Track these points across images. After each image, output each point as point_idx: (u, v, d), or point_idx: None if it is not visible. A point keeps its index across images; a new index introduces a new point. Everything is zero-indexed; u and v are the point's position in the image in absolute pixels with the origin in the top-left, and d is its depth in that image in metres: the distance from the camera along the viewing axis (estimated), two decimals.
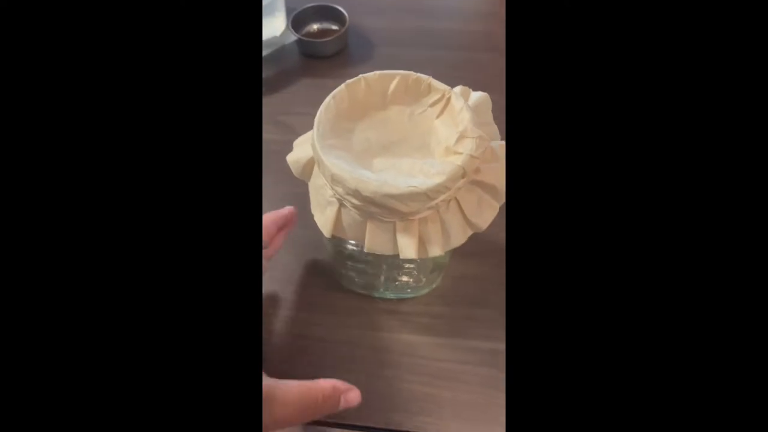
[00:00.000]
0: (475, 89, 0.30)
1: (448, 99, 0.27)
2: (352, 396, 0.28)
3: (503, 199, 0.27)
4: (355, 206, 0.25)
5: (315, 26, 0.56)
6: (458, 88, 0.28)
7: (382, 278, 0.35)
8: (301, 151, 0.28)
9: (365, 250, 0.26)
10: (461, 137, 0.25)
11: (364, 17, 0.57)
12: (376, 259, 0.32)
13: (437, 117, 0.27)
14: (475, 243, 0.40)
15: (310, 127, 0.27)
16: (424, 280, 0.36)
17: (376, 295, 0.38)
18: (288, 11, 0.55)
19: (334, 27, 0.56)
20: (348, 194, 0.24)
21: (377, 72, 0.28)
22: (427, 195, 0.24)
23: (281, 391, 0.25)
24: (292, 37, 0.53)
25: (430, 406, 0.33)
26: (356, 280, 0.36)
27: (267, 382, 0.24)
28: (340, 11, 0.55)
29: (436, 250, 0.26)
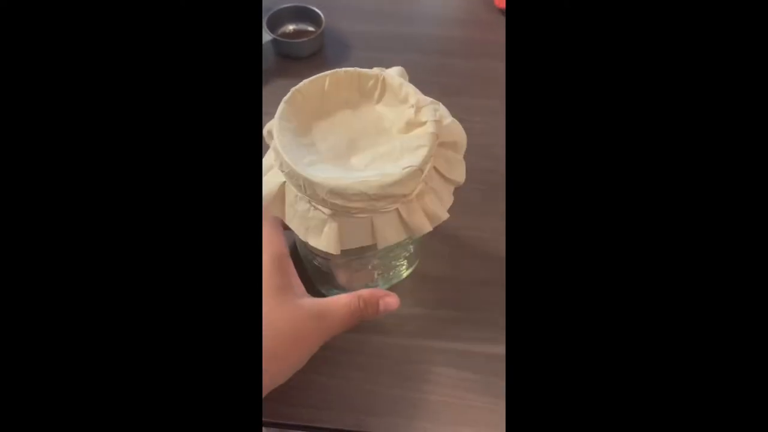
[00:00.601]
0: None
1: (383, 80, 0.28)
2: (390, 300, 0.30)
3: (463, 150, 0.28)
4: (359, 210, 0.25)
5: (291, 27, 0.56)
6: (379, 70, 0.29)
7: (376, 273, 0.35)
8: (269, 183, 0.27)
9: (379, 248, 0.26)
10: (418, 108, 0.26)
11: (340, 20, 0.57)
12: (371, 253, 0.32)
13: (377, 102, 0.28)
14: (445, 244, 0.40)
15: None
16: (416, 261, 0.37)
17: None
18: (263, 11, 0.54)
19: (310, 28, 0.56)
20: (351, 201, 0.24)
21: (305, 80, 0.28)
22: (420, 170, 0.25)
23: (333, 307, 0.29)
24: (268, 36, 0.53)
25: (401, 408, 0.33)
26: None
27: (320, 301, 0.29)
28: (317, 13, 0.54)
29: (442, 215, 0.27)
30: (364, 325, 0.36)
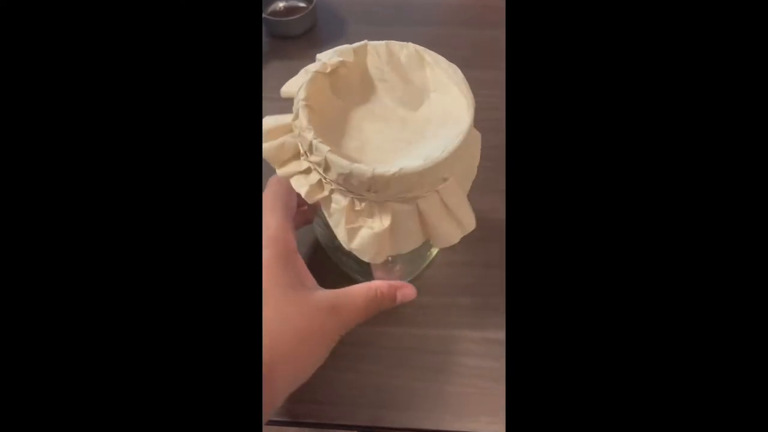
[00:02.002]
0: (454, 64, 0.28)
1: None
2: (407, 291, 0.30)
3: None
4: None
5: (281, 4, 0.53)
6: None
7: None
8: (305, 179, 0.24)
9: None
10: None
11: None
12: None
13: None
14: None
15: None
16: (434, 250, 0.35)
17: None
18: None
19: (302, 4, 0.53)
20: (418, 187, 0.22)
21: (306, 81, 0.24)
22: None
23: (349, 298, 0.28)
24: None
25: (419, 401, 0.32)
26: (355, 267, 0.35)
27: (333, 293, 0.27)
28: None
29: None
30: (374, 317, 0.35)
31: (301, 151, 0.24)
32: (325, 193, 0.23)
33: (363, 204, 0.23)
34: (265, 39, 0.51)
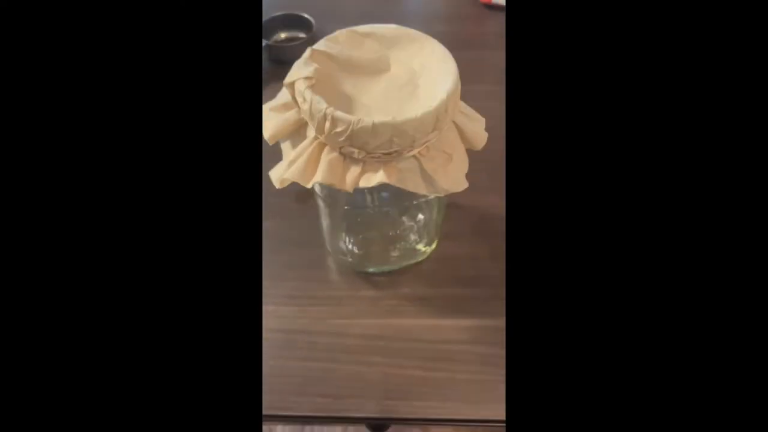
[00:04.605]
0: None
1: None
2: None
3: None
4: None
5: (283, 35, 0.57)
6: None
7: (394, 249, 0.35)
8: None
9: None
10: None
11: (330, 24, 0.58)
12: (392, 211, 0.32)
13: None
14: (450, 223, 0.40)
15: None
16: (425, 241, 0.36)
17: (372, 269, 0.37)
18: None
19: (302, 35, 0.56)
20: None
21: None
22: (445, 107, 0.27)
23: None
24: (261, 43, 0.53)
25: (427, 390, 0.32)
26: (351, 256, 0.36)
27: None
28: (307, 19, 0.55)
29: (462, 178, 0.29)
30: (379, 311, 0.35)
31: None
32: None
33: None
34: (267, 64, 0.54)
